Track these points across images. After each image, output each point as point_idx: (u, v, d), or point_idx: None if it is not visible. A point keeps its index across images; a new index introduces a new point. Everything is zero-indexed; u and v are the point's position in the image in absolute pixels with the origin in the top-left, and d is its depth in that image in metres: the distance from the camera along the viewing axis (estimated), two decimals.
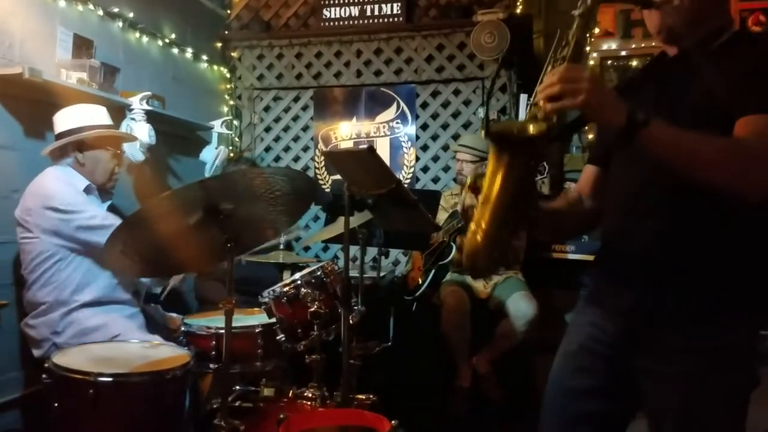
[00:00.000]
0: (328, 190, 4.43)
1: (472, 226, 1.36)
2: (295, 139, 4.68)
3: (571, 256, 3.77)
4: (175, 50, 4.08)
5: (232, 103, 4.70)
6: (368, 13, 4.41)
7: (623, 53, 4.48)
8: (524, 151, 1.27)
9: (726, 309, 1.34)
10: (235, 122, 4.68)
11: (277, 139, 4.70)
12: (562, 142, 4.88)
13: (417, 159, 4.45)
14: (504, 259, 1.37)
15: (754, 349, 1.38)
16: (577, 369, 1.54)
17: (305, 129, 4.66)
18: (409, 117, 4.44)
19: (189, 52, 4.20)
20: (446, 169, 4.40)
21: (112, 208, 2.76)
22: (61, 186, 2.50)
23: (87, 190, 2.61)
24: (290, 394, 2.23)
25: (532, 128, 1.23)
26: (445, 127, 4.40)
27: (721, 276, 1.35)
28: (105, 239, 2.29)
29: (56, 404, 1.92)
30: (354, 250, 2.87)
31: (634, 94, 1.46)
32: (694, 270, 1.35)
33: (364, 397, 2.16)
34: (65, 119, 2.63)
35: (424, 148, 4.45)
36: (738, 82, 1.31)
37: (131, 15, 3.58)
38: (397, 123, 4.46)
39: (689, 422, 1.37)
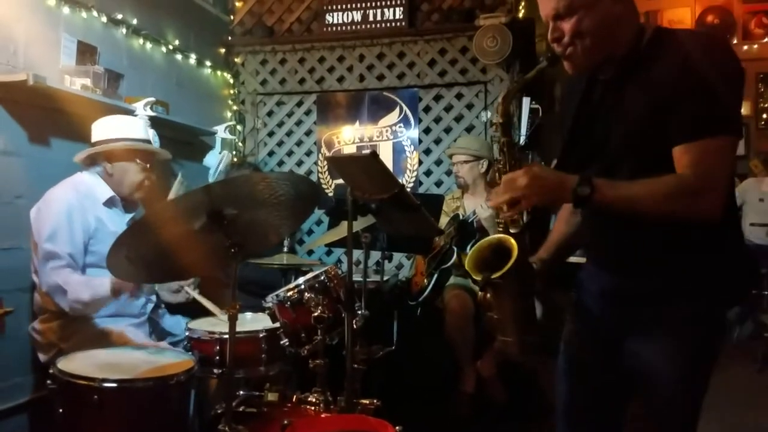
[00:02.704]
0: (331, 194, 4.43)
1: (500, 336, 1.60)
2: (298, 143, 4.69)
3: (573, 259, 3.74)
4: (179, 56, 4.09)
5: (235, 108, 4.71)
6: (371, 18, 4.43)
7: None
8: (512, 278, 1.49)
9: (685, 289, 1.51)
10: (239, 127, 4.69)
11: (280, 143, 4.71)
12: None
13: (420, 163, 4.45)
14: (535, 345, 1.60)
15: (713, 324, 1.55)
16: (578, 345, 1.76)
17: (308, 133, 4.67)
18: (412, 121, 4.44)
19: (192, 58, 4.22)
20: (449, 172, 4.39)
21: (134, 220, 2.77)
22: (62, 204, 2.48)
23: (109, 203, 2.63)
24: (294, 399, 2.23)
25: (510, 244, 1.49)
26: (447, 130, 4.41)
27: (681, 262, 1.51)
28: (47, 276, 2.38)
29: (61, 410, 1.92)
30: (357, 254, 2.88)
31: (588, 123, 1.59)
32: (659, 257, 1.52)
33: (368, 402, 2.16)
34: (101, 129, 2.66)
35: (427, 151, 4.46)
36: (665, 100, 1.42)
37: (135, 21, 3.59)
38: (400, 127, 4.47)
39: (660, 381, 1.55)
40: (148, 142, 2.75)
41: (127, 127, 2.68)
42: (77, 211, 2.50)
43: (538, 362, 1.65)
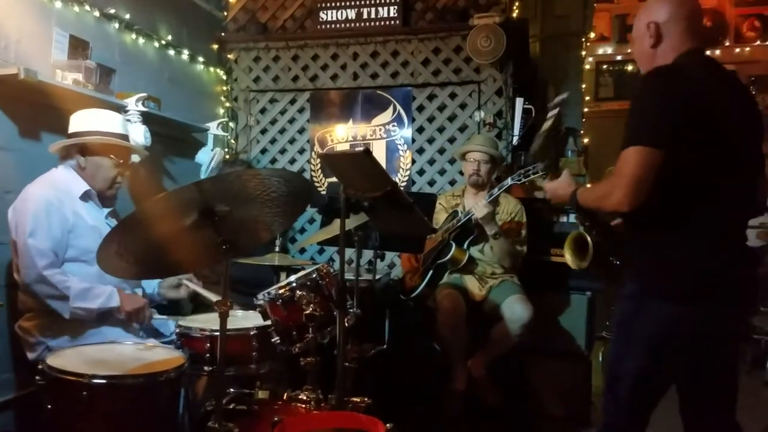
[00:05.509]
0: (323, 192, 4.43)
1: None
2: (291, 141, 4.67)
3: (556, 259, 3.74)
4: (172, 52, 4.07)
5: (228, 104, 4.70)
6: (365, 16, 4.42)
7: (618, 58, 4.49)
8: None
9: (634, 288, 1.93)
10: (231, 124, 4.68)
11: (273, 141, 4.70)
12: (558, 147, 4.93)
13: (413, 162, 4.45)
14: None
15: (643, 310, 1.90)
16: None
17: (301, 131, 4.65)
18: (405, 120, 4.44)
19: (185, 54, 4.20)
20: (442, 172, 4.40)
21: (113, 214, 2.74)
22: (39, 200, 2.45)
23: (85, 197, 2.60)
24: (285, 397, 2.23)
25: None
26: (441, 130, 4.40)
27: (636, 263, 1.97)
28: (27, 269, 2.36)
29: (50, 406, 1.91)
30: (350, 252, 2.87)
31: None
32: (627, 258, 2.05)
33: (359, 400, 2.16)
34: (77, 121, 2.62)
35: (420, 151, 4.45)
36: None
37: (127, 16, 3.57)
38: (393, 126, 4.47)
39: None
40: (125, 137, 2.70)
41: (104, 120, 2.62)
42: (55, 206, 2.47)
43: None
